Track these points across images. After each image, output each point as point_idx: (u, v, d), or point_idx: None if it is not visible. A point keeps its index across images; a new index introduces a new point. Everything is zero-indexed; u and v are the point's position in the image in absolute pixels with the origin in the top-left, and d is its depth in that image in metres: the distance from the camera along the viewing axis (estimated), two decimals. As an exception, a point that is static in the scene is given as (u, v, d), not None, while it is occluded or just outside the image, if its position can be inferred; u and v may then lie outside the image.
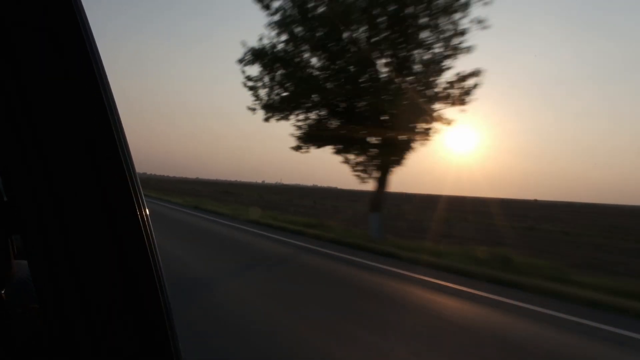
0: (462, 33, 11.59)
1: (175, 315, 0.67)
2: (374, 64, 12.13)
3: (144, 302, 0.63)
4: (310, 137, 13.45)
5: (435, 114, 12.22)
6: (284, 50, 12.60)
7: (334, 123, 13.22)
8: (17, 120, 0.57)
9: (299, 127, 13.50)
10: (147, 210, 0.65)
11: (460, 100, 11.96)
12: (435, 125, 12.40)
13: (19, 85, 0.57)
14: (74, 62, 0.59)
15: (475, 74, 11.80)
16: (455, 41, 11.73)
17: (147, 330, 0.63)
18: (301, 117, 13.41)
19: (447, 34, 11.74)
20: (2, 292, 0.69)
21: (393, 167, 12.98)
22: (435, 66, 12.03)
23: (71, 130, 0.59)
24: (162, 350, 0.64)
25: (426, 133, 12.47)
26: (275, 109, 13.20)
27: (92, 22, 0.63)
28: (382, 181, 13.03)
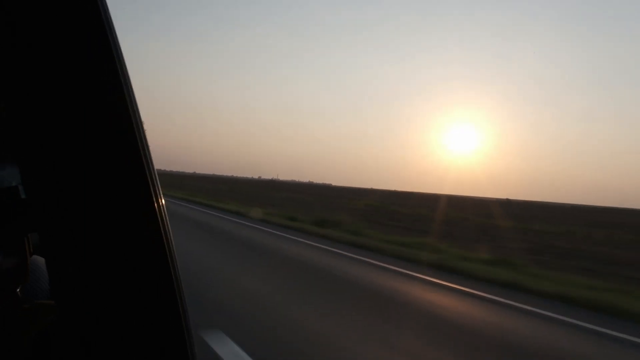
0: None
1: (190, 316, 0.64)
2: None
3: (160, 301, 0.61)
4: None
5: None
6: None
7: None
8: (35, 118, 0.56)
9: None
10: (163, 201, 0.64)
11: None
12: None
13: (38, 83, 0.55)
14: (92, 54, 0.58)
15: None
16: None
17: (163, 329, 0.62)
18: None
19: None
20: (18, 289, 0.68)
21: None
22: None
23: (90, 125, 0.57)
24: (177, 352, 0.63)
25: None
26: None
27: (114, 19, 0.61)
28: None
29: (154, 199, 0.60)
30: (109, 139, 0.58)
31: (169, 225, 0.64)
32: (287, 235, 14.11)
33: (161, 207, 0.62)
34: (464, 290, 8.10)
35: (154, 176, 0.61)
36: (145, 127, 0.63)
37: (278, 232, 14.80)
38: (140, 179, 0.59)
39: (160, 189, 0.64)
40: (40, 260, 0.88)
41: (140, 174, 0.59)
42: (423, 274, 9.23)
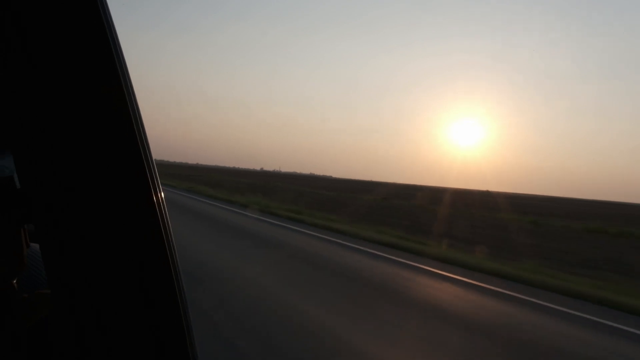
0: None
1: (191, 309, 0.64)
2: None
3: (158, 293, 0.60)
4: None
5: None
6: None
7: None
8: (32, 109, 0.54)
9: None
10: (162, 194, 0.62)
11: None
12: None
13: (34, 74, 0.53)
14: (91, 48, 0.56)
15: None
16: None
17: (161, 321, 0.60)
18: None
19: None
20: (14, 281, 0.66)
21: None
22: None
23: (87, 117, 0.55)
24: (176, 346, 0.61)
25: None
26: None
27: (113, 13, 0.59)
28: None
29: (153, 192, 0.58)
30: (106, 131, 0.56)
31: (169, 219, 0.62)
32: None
33: (160, 200, 0.60)
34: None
35: (152, 169, 0.59)
36: (145, 120, 0.61)
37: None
38: (138, 171, 0.57)
39: (159, 181, 0.62)
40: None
41: (138, 166, 0.57)
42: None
